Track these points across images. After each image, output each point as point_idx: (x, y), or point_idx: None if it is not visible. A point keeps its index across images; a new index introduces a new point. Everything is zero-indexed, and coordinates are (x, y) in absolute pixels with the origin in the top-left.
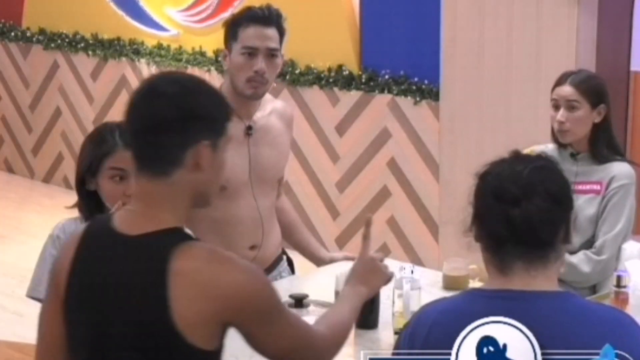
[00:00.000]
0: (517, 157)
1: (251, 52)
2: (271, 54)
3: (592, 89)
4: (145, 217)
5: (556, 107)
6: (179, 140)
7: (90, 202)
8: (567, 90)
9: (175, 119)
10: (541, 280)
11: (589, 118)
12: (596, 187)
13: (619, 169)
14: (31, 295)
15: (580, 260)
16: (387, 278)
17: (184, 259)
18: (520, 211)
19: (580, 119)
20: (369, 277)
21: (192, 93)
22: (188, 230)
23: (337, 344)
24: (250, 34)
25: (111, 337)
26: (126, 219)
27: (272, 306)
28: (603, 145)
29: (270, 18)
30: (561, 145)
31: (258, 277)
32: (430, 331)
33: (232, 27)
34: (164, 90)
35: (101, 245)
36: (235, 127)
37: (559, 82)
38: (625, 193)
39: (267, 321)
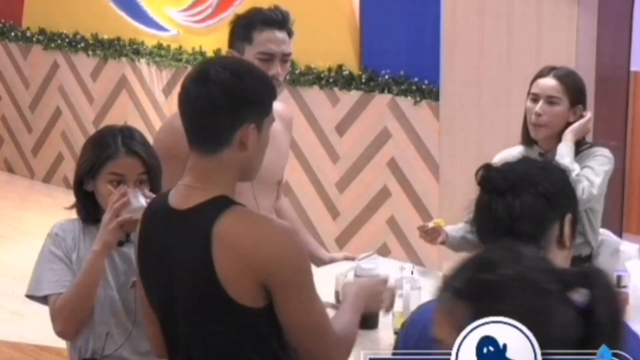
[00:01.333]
0: (525, 159)
1: (268, 58)
2: (284, 58)
3: (574, 86)
4: (195, 190)
5: (535, 100)
6: (228, 123)
7: (87, 203)
8: (550, 83)
9: (225, 103)
10: None
11: (566, 116)
12: None
13: (595, 150)
14: (31, 294)
15: (579, 176)
16: (382, 307)
17: (226, 223)
18: (502, 203)
19: (558, 115)
20: (375, 299)
21: (241, 79)
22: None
23: (346, 345)
24: (266, 39)
25: (177, 301)
26: (179, 194)
27: (301, 275)
28: None
29: (284, 22)
30: (528, 145)
31: (292, 245)
32: (423, 331)
33: (245, 29)
34: (215, 76)
35: (159, 221)
36: None
37: (541, 75)
38: (602, 159)
39: (294, 289)
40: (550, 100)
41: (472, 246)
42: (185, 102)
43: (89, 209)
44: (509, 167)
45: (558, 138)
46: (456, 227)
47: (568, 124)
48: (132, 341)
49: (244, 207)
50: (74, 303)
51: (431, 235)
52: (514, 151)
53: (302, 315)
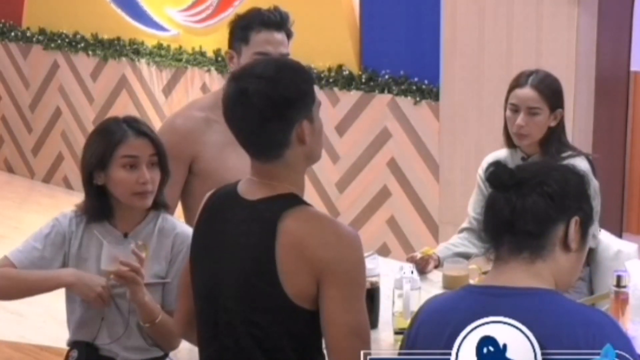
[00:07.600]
0: (547, 159)
1: (264, 57)
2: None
3: (552, 91)
4: (266, 185)
5: (515, 110)
6: (281, 128)
7: (100, 198)
8: (529, 94)
9: (273, 113)
10: (524, 275)
11: (547, 122)
12: None
13: (574, 164)
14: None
15: None
16: None
17: (292, 219)
18: (505, 199)
19: (539, 124)
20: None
21: (279, 83)
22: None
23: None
24: (263, 40)
25: (225, 286)
26: (249, 185)
27: (355, 278)
28: (553, 146)
29: (282, 23)
30: (512, 148)
31: (354, 250)
32: (419, 328)
33: (242, 30)
34: (254, 91)
35: (224, 206)
36: None
37: (518, 84)
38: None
39: (345, 288)
40: (531, 112)
41: (468, 259)
42: (233, 121)
43: (101, 205)
44: (523, 165)
45: (540, 142)
46: (449, 244)
47: (549, 129)
48: (122, 340)
49: (312, 207)
50: (7, 286)
51: (421, 264)
52: (501, 154)
53: (349, 315)
